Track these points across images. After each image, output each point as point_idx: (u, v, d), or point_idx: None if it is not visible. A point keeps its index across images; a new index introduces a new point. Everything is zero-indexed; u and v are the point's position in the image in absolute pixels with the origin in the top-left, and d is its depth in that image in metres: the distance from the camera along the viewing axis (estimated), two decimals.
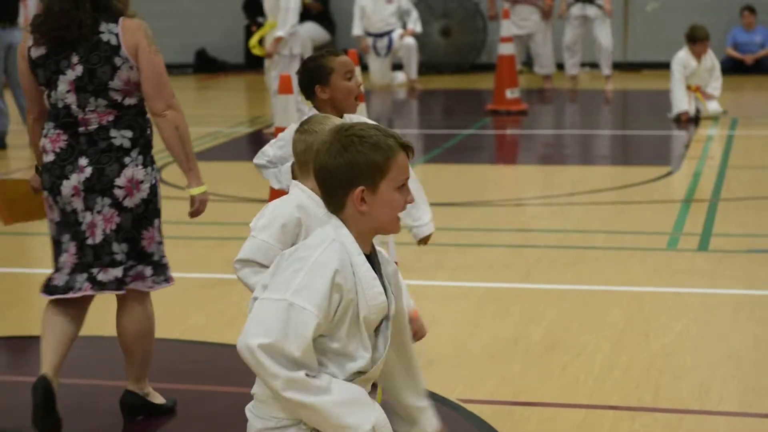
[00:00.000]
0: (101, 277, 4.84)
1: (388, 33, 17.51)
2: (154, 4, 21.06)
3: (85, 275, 4.85)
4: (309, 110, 4.94)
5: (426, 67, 19.05)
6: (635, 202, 9.39)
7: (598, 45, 16.46)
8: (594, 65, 17.49)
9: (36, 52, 4.81)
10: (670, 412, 5.00)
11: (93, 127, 4.78)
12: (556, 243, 8.00)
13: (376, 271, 3.18)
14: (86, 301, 5.00)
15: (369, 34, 17.55)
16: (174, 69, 20.67)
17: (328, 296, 3.06)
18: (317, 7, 19.74)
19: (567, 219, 8.94)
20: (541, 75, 17.48)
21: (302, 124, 4.13)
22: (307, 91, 4.90)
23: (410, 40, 17.43)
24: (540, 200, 9.68)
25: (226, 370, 5.64)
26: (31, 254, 8.19)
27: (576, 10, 16.46)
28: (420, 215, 5.46)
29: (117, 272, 4.85)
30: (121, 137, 4.80)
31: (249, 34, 20.62)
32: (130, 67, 4.77)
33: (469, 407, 5.04)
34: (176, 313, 6.49)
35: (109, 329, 6.23)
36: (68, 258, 4.85)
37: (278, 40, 12.63)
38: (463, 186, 10.15)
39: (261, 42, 12.94)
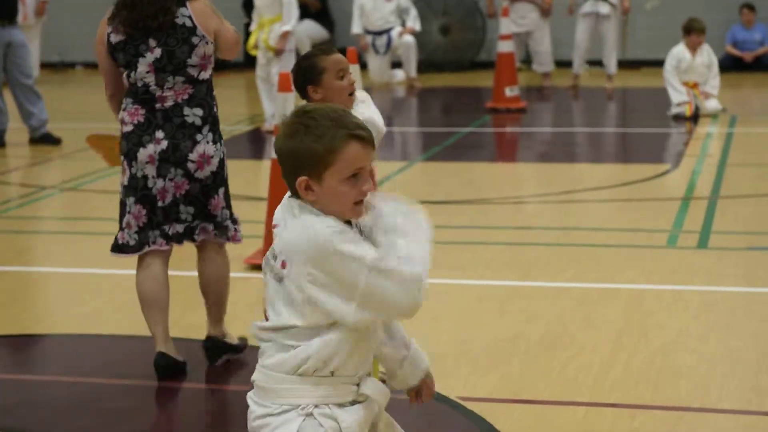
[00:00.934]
0: (170, 231, 5.47)
1: (388, 31, 17.51)
2: None
3: (157, 232, 5.46)
4: None
5: (425, 65, 19.05)
6: (634, 200, 9.39)
7: (605, 43, 16.45)
8: (594, 63, 17.47)
9: (115, 38, 5.44)
10: (669, 409, 5.00)
11: (169, 104, 5.35)
12: (555, 241, 8.00)
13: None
14: (165, 257, 5.61)
15: (368, 32, 17.55)
16: None
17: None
18: (316, 5, 19.73)
19: (566, 217, 8.94)
20: (540, 73, 17.48)
21: None
22: (301, 91, 4.88)
23: (409, 38, 17.43)
24: (539, 198, 9.68)
25: (225, 369, 5.64)
26: (31, 253, 8.19)
27: (588, 6, 16.45)
28: None
29: (183, 227, 5.48)
30: (192, 115, 5.37)
31: (248, 32, 20.64)
32: (206, 43, 5.35)
33: (469, 405, 5.04)
34: (176, 311, 6.49)
35: (108, 329, 6.23)
36: (133, 219, 5.42)
37: (286, 34, 12.72)
38: (462, 184, 10.15)
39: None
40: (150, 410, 5.13)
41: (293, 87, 4.90)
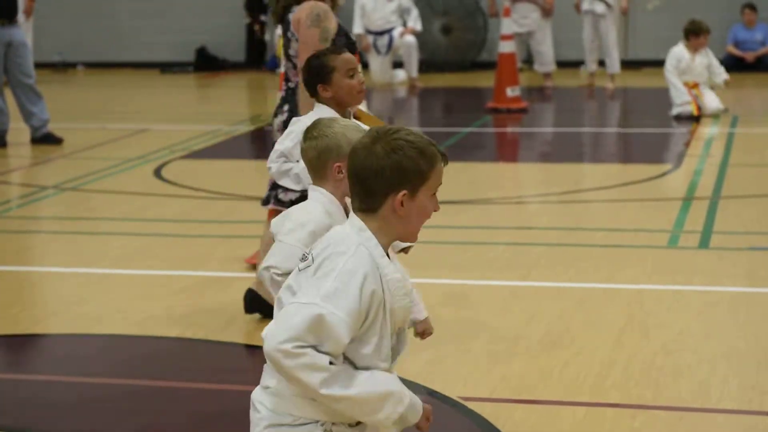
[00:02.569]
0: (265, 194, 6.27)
1: (389, 31, 17.52)
2: (155, 2, 21.07)
3: (273, 193, 6.18)
4: (316, 105, 4.94)
5: (426, 65, 19.04)
6: (636, 200, 9.39)
7: (603, 42, 16.46)
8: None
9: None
10: (670, 409, 5.00)
11: (284, 84, 6.24)
12: (556, 241, 8.00)
13: None
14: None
15: (369, 32, 17.55)
16: (174, 67, 20.68)
17: (358, 301, 3.04)
18: None
19: (567, 217, 8.93)
20: (541, 73, 17.47)
21: (308, 130, 4.05)
22: (311, 90, 4.91)
23: (411, 38, 17.43)
24: (540, 198, 9.68)
25: (226, 369, 5.64)
26: (31, 253, 8.19)
27: (586, 4, 16.47)
28: None
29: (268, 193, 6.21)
30: (281, 94, 6.19)
31: (250, 32, 20.64)
32: (296, 40, 6.10)
33: (470, 405, 5.04)
34: (176, 311, 6.49)
35: (109, 329, 6.23)
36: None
37: None
38: (464, 184, 10.14)
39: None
40: (150, 410, 5.12)
41: (303, 85, 4.92)
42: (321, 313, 2.99)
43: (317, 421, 3.11)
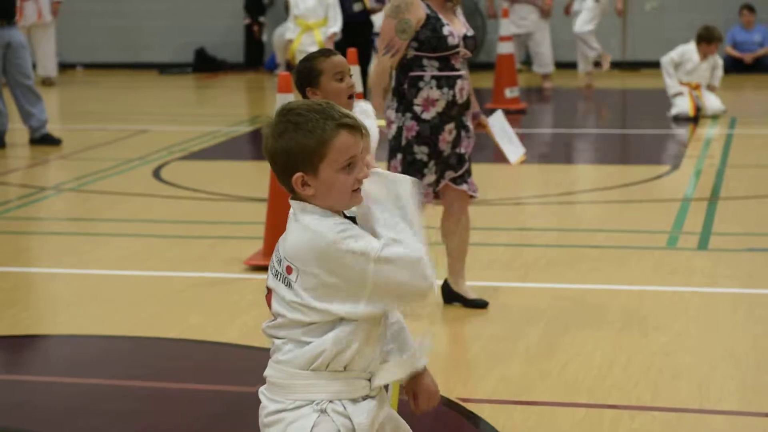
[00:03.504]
0: None
1: None
2: (154, 3, 21.07)
3: None
4: None
5: None
6: (634, 201, 9.39)
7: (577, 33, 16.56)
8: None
9: None
10: (669, 410, 5.00)
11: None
12: (555, 242, 8.00)
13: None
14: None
15: None
16: (173, 68, 20.68)
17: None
18: None
19: (566, 218, 8.94)
20: (540, 74, 17.48)
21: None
22: (301, 93, 4.90)
23: None
24: (539, 199, 9.68)
25: (225, 370, 5.64)
26: (31, 254, 8.19)
27: (576, 5, 16.50)
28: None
29: None
30: (392, 88, 6.33)
31: (249, 33, 20.64)
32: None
33: (469, 406, 5.04)
34: (175, 312, 6.50)
35: (108, 329, 6.23)
36: None
37: (333, 36, 12.84)
38: None
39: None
40: (150, 411, 5.12)
41: (294, 88, 4.91)
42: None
43: (313, 401, 3.11)
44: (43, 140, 12.41)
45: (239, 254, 7.55)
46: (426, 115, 6.21)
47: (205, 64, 20.65)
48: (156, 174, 10.69)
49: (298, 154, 3.05)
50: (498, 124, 6.86)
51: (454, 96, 6.25)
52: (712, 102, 13.61)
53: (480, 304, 6.46)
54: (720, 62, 13.72)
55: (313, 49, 12.24)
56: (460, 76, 6.29)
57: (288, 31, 13.68)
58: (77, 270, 7.42)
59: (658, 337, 5.96)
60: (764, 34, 18.87)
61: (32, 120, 12.42)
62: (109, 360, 5.82)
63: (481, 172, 11.23)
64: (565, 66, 18.49)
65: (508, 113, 14.30)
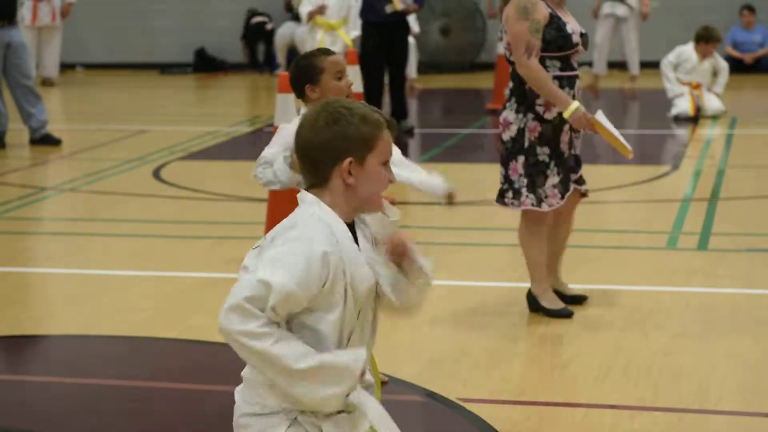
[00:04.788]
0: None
1: None
2: (154, 3, 21.07)
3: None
4: (302, 109, 4.92)
5: (425, 66, 19.04)
6: (634, 201, 9.39)
7: (626, 44, 16.48)
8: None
9: None
10: (669, 411, 5.00)
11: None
12: None
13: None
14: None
15: None
16: (174, 68, 20.68)
17: (305, 264, 3.02)
18: None
19: None
20: None
21: None
22: (298, 91, 4.89)
23: (409, 39, 17.41)
24: None
25: (226, 370, 5.63)
26: (31, 254, 8.19)
27: (607, 8, 16.47)
28: (436, 180, 5.43)
29: (498, 188, 6.37)
30: (507, 88, 6.27)
31: (246, 30, 20.62)
32: (506, 32, 6.15)
33: (469, 407, 5.04)
34: (176, 312, 6.50)
35: (108, 329, 6.23)
36: None
37: (355, 40, 12.82)
38: (463, 185, 10.09)
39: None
40: (150, 411, 5.12)
41: (291, 85, 4.91)
42: (262, 277, 3.00)
43: (284, 410, 3.11)
44: (43, 140, 12.41)
45: (239, 254, 7.51)
46: (548, 116, 6.14)
47: (205, 64, 20.65)
48: (156, 174, 10.69)
49: (353, 140, 3.09)
50: (605, 121, 6.78)
51: (573, 96, 6.18)
52: (713, 102, 13.61)
53: (579, 299, 6.50)
54: (724, 66, 13.69)
55: (335, 49, 12.25)
56: (577, 75, 6.24)
57: (304, 33, 13.60)
58: (77, 270, 7.42)
59: (658, 337, 5.96)
60: (764, 35, 18.87)
61: (32, 120, 12.42)
62: (109, 360, 5.82)
63: (481, 172, 11.25)
64: None
65: None
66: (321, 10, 12.92)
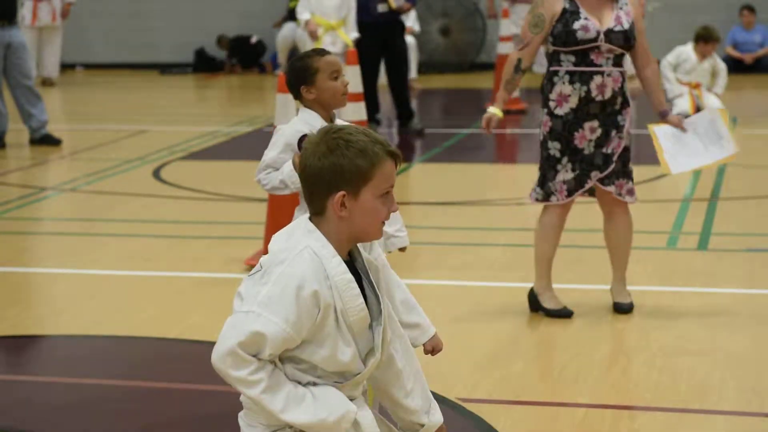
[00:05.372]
0: None
1: None
2: (154, 3, 21.07)
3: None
4: (301, 110, 4.90)
5: (425, 66, 19.05)
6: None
7: None
8: None
9: None
10: (669, 411, 5.00)
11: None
12: None
13: (358, 275, 3.15)
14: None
15: None
16: (173, 68, 20.68)
17: (294, 305, 3.02)
18: None
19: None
20: (540, 74, 17.46)
21: None
22: (294, 92, 4.86)
23: (409, 39, 17.41)
24: None
25: None
26: (31, 254, 8.19)
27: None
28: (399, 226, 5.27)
29: None
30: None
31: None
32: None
33: (468, 406, 5.04)
34: (175, 312, 6.50)
35: (108, 329, 6.23)
36: None
37: (355, 40, 12.80)
38: (463, 185, 10.15)
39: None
40: (149, 411, 5.12)
41: (287, 87, 4.89)
42: (257, 329, 3.03)
43: (285, 426, 3.12)
44: (43, 140, 12.41)
45: (239, 254, 7.55)
46: (559, 111, 6.19)
47: (204, 64, 20.65)
48: (156, 174, 10.69)
49: (346, 173, 3.03)
50: (667, 132, 6.83)
51: (588, 92, 6.15)
52: (712, 102, 13.60)
53: (625, 308, 6.39)
54: (723, 68, 13.68)
55: (335, 50, 12.21)
56: (600, 72, 6.17)
57: (305, 34, 13.59)
58: (77, 270, 7.42)
59: (658, 337, 5.96)
60: (764, 35, 18.87)
61: (32, 120, 12.42)
62: (109, 360, 5.82)
63: (481, 172, 11.27)
64: None
65: (508, 113, 14.35)
66: (313, 36, 12.86)
